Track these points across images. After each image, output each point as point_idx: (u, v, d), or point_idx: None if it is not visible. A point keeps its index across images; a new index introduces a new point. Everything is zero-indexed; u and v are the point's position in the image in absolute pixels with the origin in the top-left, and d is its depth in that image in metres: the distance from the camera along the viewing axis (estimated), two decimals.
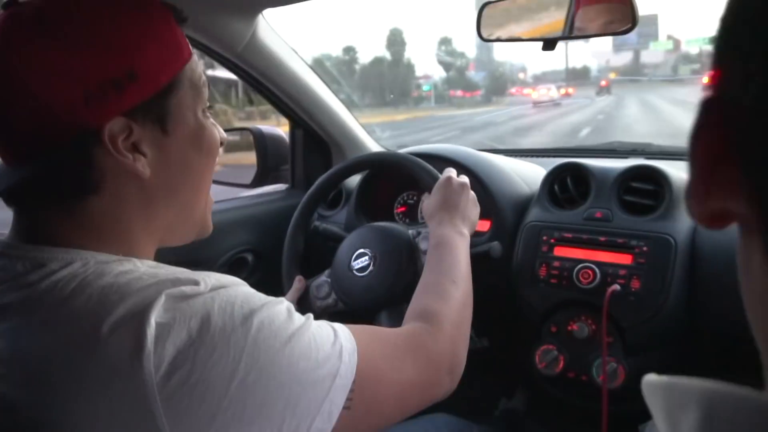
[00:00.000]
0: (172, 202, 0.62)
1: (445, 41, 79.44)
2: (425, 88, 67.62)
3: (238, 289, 0.56)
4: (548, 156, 1.73)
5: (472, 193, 1.06)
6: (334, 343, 0.58)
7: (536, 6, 1.02)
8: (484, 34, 1.07)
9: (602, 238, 1.18)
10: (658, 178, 1.20)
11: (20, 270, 0.53)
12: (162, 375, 0.47)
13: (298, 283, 1.19)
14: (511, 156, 1.62)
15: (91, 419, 0.47)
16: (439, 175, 1.09)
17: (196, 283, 0.53)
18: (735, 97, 0.25)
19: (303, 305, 1.17)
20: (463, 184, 1.05)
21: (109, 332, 0.48)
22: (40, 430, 0.48)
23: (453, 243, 0.94)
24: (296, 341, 0.54)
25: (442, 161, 1.34)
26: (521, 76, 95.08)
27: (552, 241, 1.23)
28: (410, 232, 1.15)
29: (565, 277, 1.19)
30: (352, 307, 1.16)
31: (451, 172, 1.08)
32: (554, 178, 1.31)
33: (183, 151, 0.61)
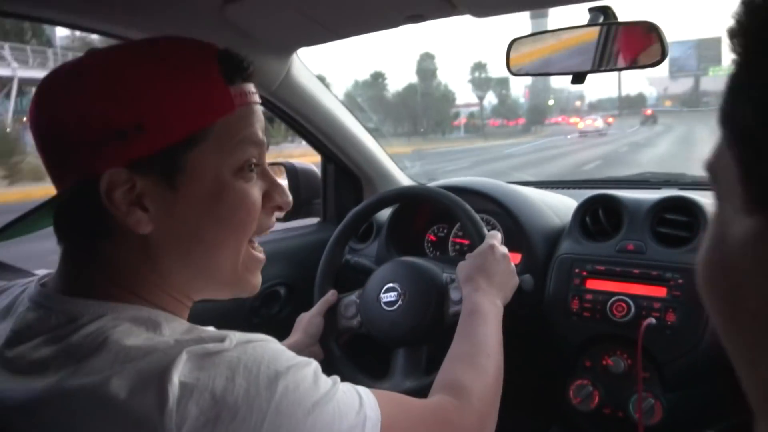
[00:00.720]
0: (186, 262, 0.59)
1: (479, 67, 71.74)
2: (467, 115, 64.52)
3: (266, 345, 0.54)
4: (579, 188, 1.72)
5: (512, 264, 1.05)
6: (358, 413, 0.56)
7: (564, 41, 1.03)
8: (513, 69, 1.09)
9: (636, 271, 1.16)
10: (692, 209, 1.19)
11: (53, 323, 0.53)
12: None
13: (331, 296, 1.20)
14: (541, 188, 1.62)
15: None
16: (486, 234, 1.10)
17: (221, 339, 0.52)
18: None
19: (329, 320, 1.19)
20: (504, 255, 1.04)
21: (131, 390, 0.47)
22: None
23: (487, 314, 0.93)
24: (320, 411, 0.53)
25: (471, 194, 1.35)
26: (578, 104, 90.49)
27: (584, 273, 1.22)
28: (444, 276, 1.15)
29: (598, 310, 1.17)
30: (374, 335, 1.17)
31: (495, 238, 1.07)
32: (586, 210, 1.31)
33: (193, 210, 0.57)
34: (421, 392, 1.11)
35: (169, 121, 0.54)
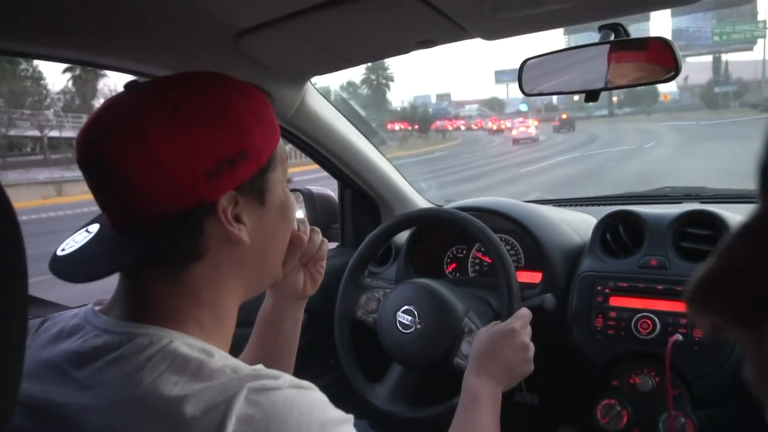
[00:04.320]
0: (260, 265, 0.68)
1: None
2: None
3: (316, 394, 0.57)
4: (598, 204, 1.71)
5: (529, 353, 1.01)
6: None
7: (576, 60, 1.04)
8: (527, 89, 1.09)
9: (659, 287, 1.15)
10: (714, 223, 1.17)
11: (116, 345, 0.57)
12: None
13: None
14: (559, 206, 1.61)
15: None
16: (515, 310, 1.06)
17: (276, 377, 0.56)
18: None
19: (349, 303, 1.27)
20: (523, 344, 1.00)
21: (191, 422, 0.50)
22: None
23: (487, 402, 0.93)
24: None
25: (490, 215, 1.35)
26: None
27: (607, 290, 1.20)
28: (464, 321, 1.13)
29: (622, 327, 1.15)
30: (381, 343, 1.21)
31: (522, 319, 1.02)
32: (606, 226, 1.29)
33: (274, 220, 0.67)
34: (400, 423, 1.15)
35: (261, 145, 0.63)
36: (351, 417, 0.59)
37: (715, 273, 0.24)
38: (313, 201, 1.62)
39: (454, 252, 1.55)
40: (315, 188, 1.65)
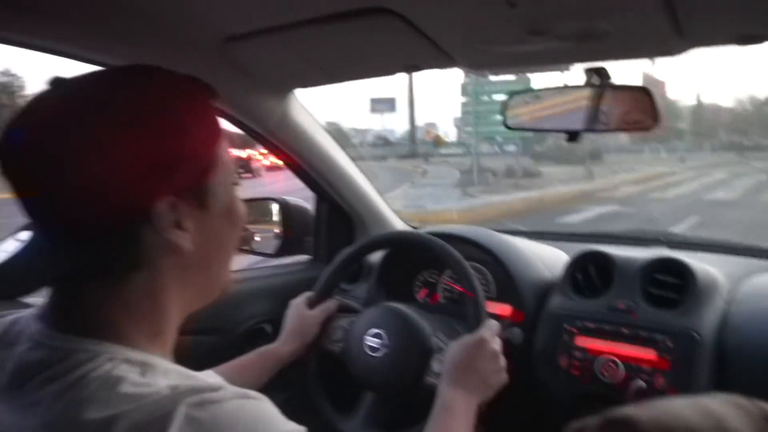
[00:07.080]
0: (205, 272, 0.64)
1: None
2: None
3: (263, 405, 0.54)
4: (570, 240, 1.71)
5: (501, 362, 1.01)
6: None
7: (560, 99, 1.04)
8: (510, 123, 1.09)
9: (625, 330, 1.15)
10: (682, 272, 1.18)
11: (51, 362, 0.53)
12: None
13: (332, 305, 1.25)
14: (532, 239, 1.61)
15: None
16: (484, 320, 1.06)
17: (216, 389, 0.52)
18: None
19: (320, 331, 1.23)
20: (494, 353, 1.00)
21: None
22: None
23: (460, 414, 0.92)
24: None
25: (463, 243, 1.34)
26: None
27: (574, 330, 1.20)
28: (433, 341, 1.11)
29: (587, 368, 1.15)
30: (350, 370, 1.18)
31: (491, 329, 1.03)
32: (577, 266, 1.30)
33: (217, 224, 0.62)
34: None
35: (200, 146, 0.58)
36: (303, 429, 0.56)
37: None
38: (288, 211, 1.60)
39: (425, 276, 1.54)
40: (291, 199, 1.64)
